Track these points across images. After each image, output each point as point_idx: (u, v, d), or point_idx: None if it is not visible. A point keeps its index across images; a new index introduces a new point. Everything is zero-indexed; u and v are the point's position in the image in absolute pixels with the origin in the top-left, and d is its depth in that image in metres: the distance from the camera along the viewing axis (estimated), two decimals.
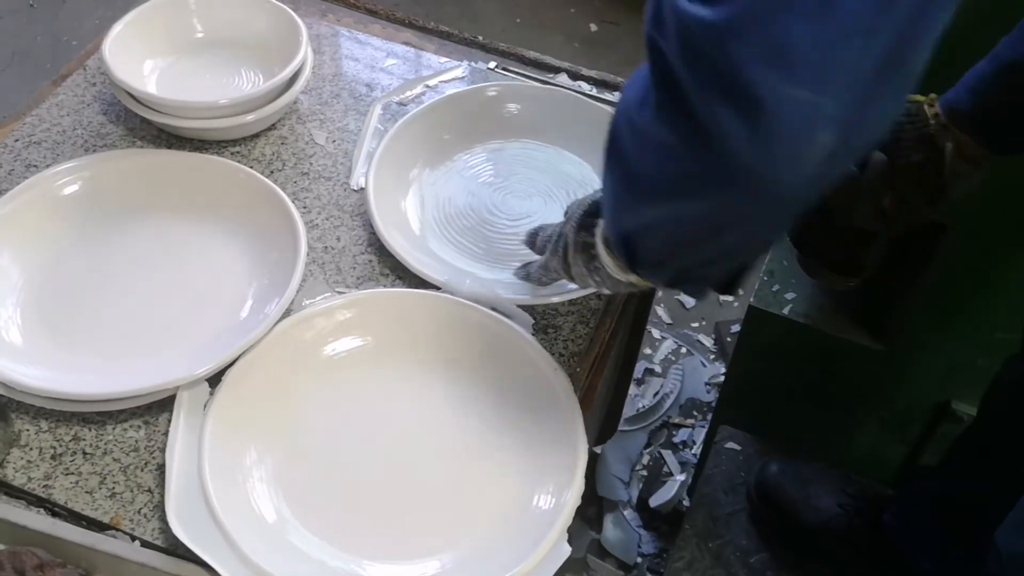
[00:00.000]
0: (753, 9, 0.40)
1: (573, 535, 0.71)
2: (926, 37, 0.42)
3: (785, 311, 1.19)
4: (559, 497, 0.71)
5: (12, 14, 2.40)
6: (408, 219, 0.93)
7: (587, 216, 0.71)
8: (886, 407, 1.21)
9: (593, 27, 2.44)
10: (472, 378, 0.80)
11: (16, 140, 0.95)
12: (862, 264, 1.13)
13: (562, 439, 0.75)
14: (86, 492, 0.72)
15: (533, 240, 0.82)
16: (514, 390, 0.79)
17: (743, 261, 0.60)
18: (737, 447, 1.28)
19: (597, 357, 0.83)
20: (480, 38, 1.15)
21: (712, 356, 1.83)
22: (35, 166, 0.93)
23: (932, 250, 1.05)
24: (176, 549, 0.69)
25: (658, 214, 0.54)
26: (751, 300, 1.20)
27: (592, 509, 1.54)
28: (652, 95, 0.48)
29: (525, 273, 0.83)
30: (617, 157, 0.55)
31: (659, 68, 0.46)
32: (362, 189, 0.95)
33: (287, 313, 0.81)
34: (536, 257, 0.81)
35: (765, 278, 1.22)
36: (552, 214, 0.94)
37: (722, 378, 1.79)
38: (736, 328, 1.86)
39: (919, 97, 0.74)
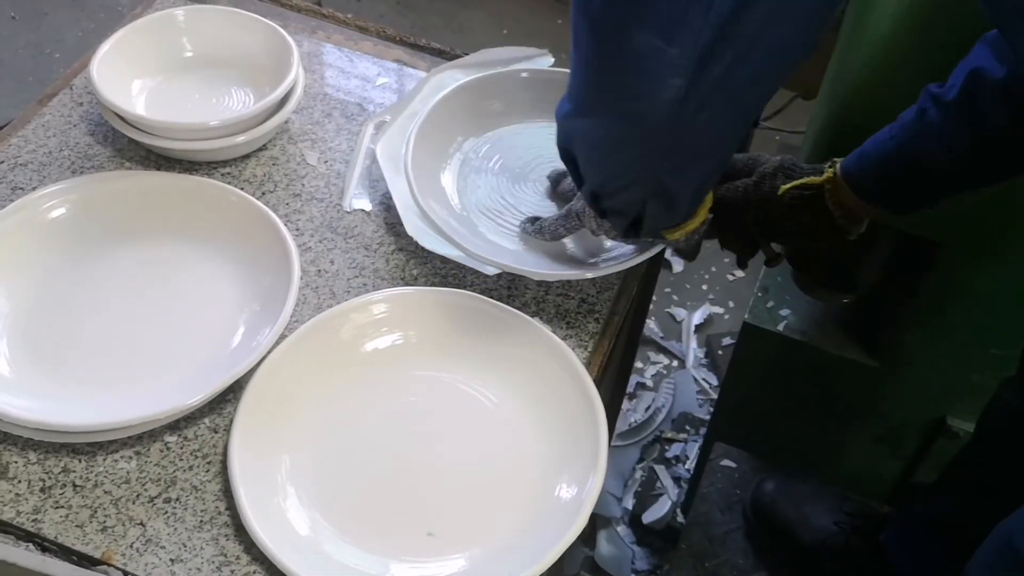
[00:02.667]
0: None
1: (567, 552, 0.71)
2: (766, 28, 0.54)
3: (780, 327, 1.19)
4: (582, 486, 0.73)
5: None
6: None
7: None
8: (881, 423, 1.21)
9: None
10: (493, 375, 0.82)
11: (1, 162, 0.93)
12: (856, 281, 1.13)
13: (583, 427, 0.76)
14: (76, 526, 0.70)
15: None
16: (536, 382, 0.81)
17: (641, 198, 0.71)
18: (732, 464, 1.28)
19: (597, 381, 0.82)
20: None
21: (704, 366, 1.83)
22: (21, 188, 0.91)
23: (926, 267, 1.05)
24: None
25: (578, 130, 0.69)
26: (746, 316, 1.20)
27: (585, 525, 1.53)
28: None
29: (537, 228, 0.88)
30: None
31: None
32: (355, 210, 0.94)
33: (282, 337, 0.79)
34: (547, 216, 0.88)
35: (760, 294, 1.22)
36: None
37: (711, 390, 1.78)
38: (727, 341, 1.85)
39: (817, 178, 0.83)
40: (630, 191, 0.69)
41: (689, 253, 0.85)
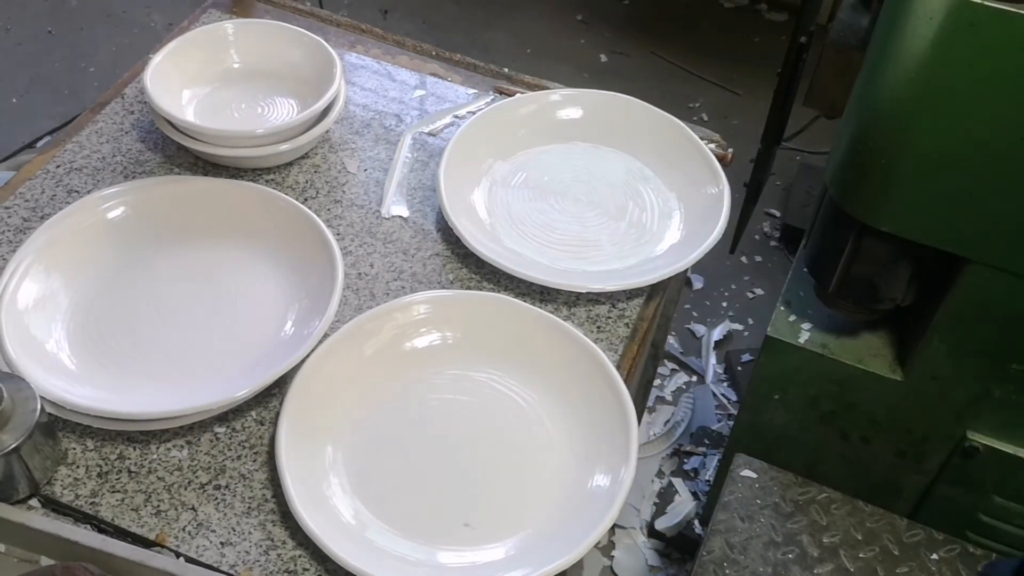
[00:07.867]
0: None
1: (585, 562, 0.73)
2: None
3: (802, 340, 1.21)
4: (615, 476, 0.77)
5: (31, 40, 2.44)
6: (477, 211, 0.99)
7: None
8: (902, 437, 1.23)
9: (603, 58, 2.48)
10: (526, 374, 0.85)
11: (58, 166, 0.97)
12: (880, 296, 1.15)
13: (614, 423, 0.80)
14: (132, 509, 0.74)
15: None
16: (568, 382, 0.84)
17: None
18: (753, 475, 1.29)
19: (626, 381, 0.85)
20: (506, 70, 1.18)
21: (723, 382, 1.85)
22: (76, 192, 0.95)
23: (950, 282, 1.07)
24: (220, 566, 0.71)
25: None
26: (768, 330, 1.22)
27: (604, 535, 1.55)
28: None
29: None
30: None
31: None
32: (393, 217, 0.98)
33: (325, 335, 0.82)
34: None
35: (782, 308, 1.24)
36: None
37: (730, 405, 1.80)
38: (746, 357, 1.87)
39: None
40: None
41: None
